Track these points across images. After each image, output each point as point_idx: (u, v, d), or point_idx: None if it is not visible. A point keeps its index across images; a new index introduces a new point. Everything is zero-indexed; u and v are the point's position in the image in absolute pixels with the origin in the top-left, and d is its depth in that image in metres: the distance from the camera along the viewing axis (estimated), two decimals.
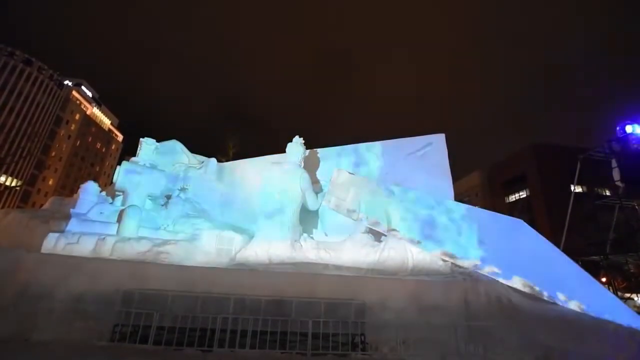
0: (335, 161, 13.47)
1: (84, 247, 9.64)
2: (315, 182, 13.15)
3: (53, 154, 73.13)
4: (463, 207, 10.98)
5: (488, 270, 9.84)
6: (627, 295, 29.65)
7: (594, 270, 21.78)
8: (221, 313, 7.55)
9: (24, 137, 63.36)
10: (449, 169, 13.50)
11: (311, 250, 10.96)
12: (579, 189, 35.07)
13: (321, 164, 14.04)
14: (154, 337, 7.19)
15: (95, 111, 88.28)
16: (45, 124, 70.65)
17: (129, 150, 60.45)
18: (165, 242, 10.46)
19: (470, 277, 9.75)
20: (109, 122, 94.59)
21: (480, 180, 57.96)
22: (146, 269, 8.90)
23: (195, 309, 7.65)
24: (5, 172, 61.53)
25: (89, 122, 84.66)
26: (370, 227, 11.01)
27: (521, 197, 50.39)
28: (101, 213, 11.07)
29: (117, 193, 12.30)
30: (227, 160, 16.49)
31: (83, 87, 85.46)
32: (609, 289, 17.02)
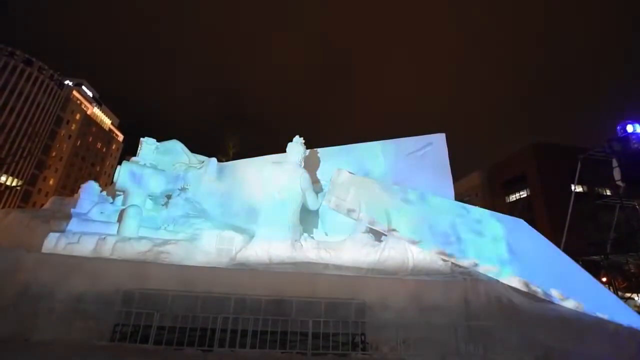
0: (335, 161, 13.45)
1: (85, 247, 9.66)
2: (315, 182, 13.14)
3: (53, 153, 73.19)
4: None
5: (487, 269, 9.82)
6: (628, 295, 29.67)
7: (594, 270, 21.79)
8: (221, 313, 7.56)
9: (25, 137, 63.41)
10: (449, 169, 13.47)
11: (311, 250, 10.96)
12: (579, 189, 35.05)
13: (321, 164, 14.03)
14: (155, 337, 7.20)
15: (96, 111, 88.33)
16: (46, 124, 70.71)
17: (130, 150, 60.44)
18: (166, 242, 10.47)
19: (470, 277, 9.75)
20: (110, 121, 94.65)
21: (480, 180, 57.89)
22: (146, 269, 8.91)
23: (196, 309, 7.65)
24: (6, 172, 61.57)
25: (90, 122, 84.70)
26: (371, 226, 11.01)
27: (521, 197, 50.34)
28: (102, 213, 11.08)
29: (117, 193, 12.32)
30: (227, 160, 16.50)
31: (83, 87, 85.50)
32: (609, 289, 17.03)
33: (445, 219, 10.56)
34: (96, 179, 17.92)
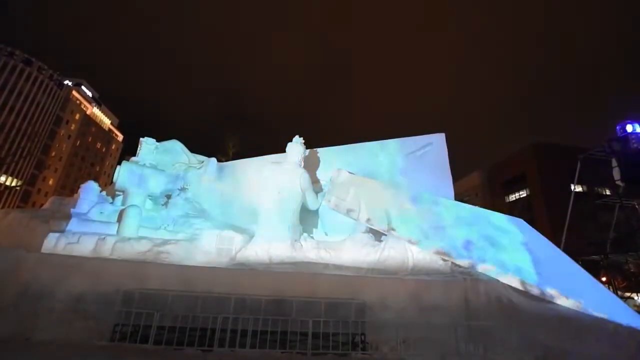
0: (335, 161, 13.45)
1: (84, 247, 9.65)
2: (315, 181, 13.14)
3: (53, 153, 73.15)
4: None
5: (487, 269, 9.82)
6: (627, 294, 29.71)
7: (594, 269, 21.82)
8: (221, 313, 7.55)
9: (24, 137, 63.37)
10: (449, 169, 13.48)
11: (311, 249, 10.97)
12: (579, 189, 35.09)
13: (321, 164, 14.03)
14: (155, 336, 7.19)
15: (95, 111, 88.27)
16: (45, 124, 70.67)
17: (129, 150, 60.54)
18: (166, 242, 10.46)
19: (470, 277, 9.75)
20: (109, 121, 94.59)
21: (480, 180, 57.95)
22: (146, 269, 8.91)
23: (196, 309, 7.64)
24: (6, 172, 61.54)
25: (89, 121, 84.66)
26: (371, 226, 11.01)
27: (521, 196, 50.40)
28: (101, 213, 11.08)
29: (117, 193, 12.31)
30: (227, 160, 16.49)
31: (83, 87, 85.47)
32: (609, 289, 17.04)
33: (448, 220, 10.56)
34: (96, 179, 17.91)
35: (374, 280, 9.35)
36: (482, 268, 9.56)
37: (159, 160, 13.49)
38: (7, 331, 7.13)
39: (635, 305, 26.82)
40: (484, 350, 7.92)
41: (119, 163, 12.69)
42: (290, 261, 10.56)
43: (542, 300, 8.95)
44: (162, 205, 12.49)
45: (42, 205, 17.40)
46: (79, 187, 12.11)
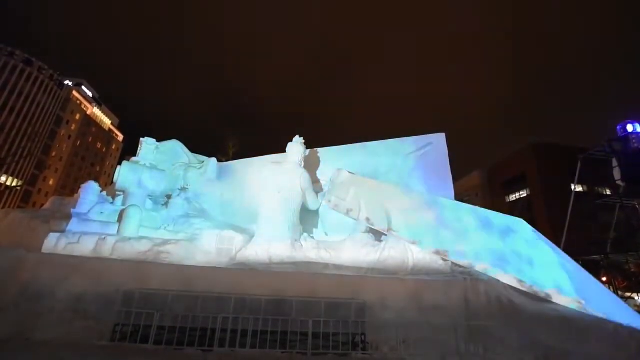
0: (335, 161, 13.45)
1: (85, 247, 9.67)
2: (315, 181, 13.15)
3: (53, 154, 73.21)
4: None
5: (487, 268, 9.82)
6: (628, 294, 29.66)
7: (594, 269, 21.80)
8: (221, 313, 7.56)
9: (25, 137, 63.45)
10: (449, 169, 13.48)
11: (311, 249, 10.97)
12: (579, 189, 34.98)
13: (321, 164, 14.04)
14: (155, 336, 7.20)
15: (96, 111, 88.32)
16: (46, 124, 70.71)
17: (130, 150, 60.43)
18: (166, 242, 10.47)
19: (470, 277, 9.74)
20: (110, 122, 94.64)
21: (480, 180, 57.90)
22: (147, 269, 8.91)
23: (196, 309, 7.65)
24: (6, 172, 61.57)
25: (90, 122, 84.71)
26: (371, 226, 11.01)
27: (521, 196, 50.36)
28: (102, 213, 11.09)
29: (117, 193, 12.33)
30: (227, 160, 16.51)
31: (83, 87, 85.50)
32: (609, 289, 17.03)
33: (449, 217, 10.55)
34: (96, 179, 17.94)
35: (374, 280, 9.35)
36: (480, 267, 9.57)
37: (159, 160, 13.51)
38: (7, 331, 7.14)
39: (635, 305, 26.76)
40: (484, 350, 7.92)
41: (119, 163, 12.71)
42: (291, 261, 10.57)
43: (542, 300, 8.94)
44: (163, 205, 12.51)
45: (42, 205, 17.43)
46: (79, 187, 12.13)
